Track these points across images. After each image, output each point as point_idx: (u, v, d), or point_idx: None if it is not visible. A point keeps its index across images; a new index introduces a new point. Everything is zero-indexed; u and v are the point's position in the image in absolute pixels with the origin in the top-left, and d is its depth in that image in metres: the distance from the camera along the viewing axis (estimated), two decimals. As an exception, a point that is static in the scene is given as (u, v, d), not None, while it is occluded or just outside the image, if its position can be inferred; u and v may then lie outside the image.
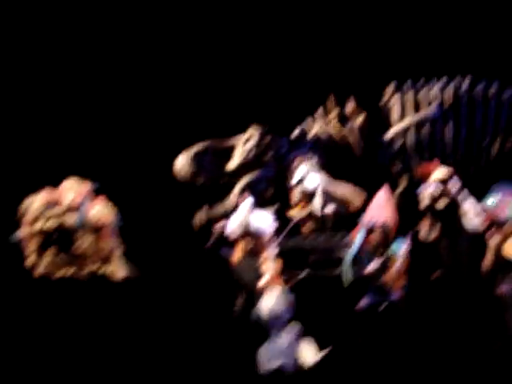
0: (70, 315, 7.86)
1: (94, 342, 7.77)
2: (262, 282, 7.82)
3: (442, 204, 8.19)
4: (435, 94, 9.40)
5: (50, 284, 8.02)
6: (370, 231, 7.91)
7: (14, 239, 8.10)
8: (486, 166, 9.28)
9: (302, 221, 8.85)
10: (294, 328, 7.49)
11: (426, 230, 8.29)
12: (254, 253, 8.06)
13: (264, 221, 8.17)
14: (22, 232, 8.08)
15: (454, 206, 8.15)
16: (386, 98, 9.53)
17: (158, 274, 8.57)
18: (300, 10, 10.40)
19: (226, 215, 8.44)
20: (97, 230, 8.10)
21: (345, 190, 8.95)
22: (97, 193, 8.24)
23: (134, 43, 10.40)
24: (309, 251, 8.58)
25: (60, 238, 8.03)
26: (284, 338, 7.43)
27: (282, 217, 8.68)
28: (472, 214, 8.07)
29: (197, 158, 8.96)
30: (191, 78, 10.33)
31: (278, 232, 8.32)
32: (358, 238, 7.93)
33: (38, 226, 8.00)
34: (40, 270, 8.04)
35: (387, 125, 9.49)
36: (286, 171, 9.11)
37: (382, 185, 8.29)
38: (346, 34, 10.30)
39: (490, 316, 7.67)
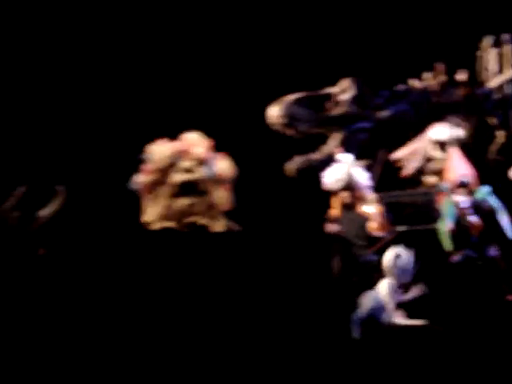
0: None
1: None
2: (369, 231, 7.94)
3: None
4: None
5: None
6: (455, 188, 7.88)
7: (132, 185, 8.34)
8: None
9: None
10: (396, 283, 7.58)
11: None
12: (353, 206, 8.14)
13: (362, 174, 8.24)
14: (142, 179, 8.31)
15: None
16: (481, 52, 9.45)
17: (257, 229, 8.71)
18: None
19: (321, 166, 8.51)
20: (219, 183, 8.39)
21: None
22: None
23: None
24: (406, 205, 8.63)
25: (186, 190, 8.29)
26: (387, 290, 7.51)
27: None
28: None
29: (289, 109, 9.02)
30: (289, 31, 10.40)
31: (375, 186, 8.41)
32: (447, 203, 7.91)
33: (170, 177, 8.26)
34: (152, 218, 8.31)
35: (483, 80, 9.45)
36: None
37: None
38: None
39: None
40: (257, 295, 7.94)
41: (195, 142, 8.42)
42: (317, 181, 8.34)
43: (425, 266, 7.81)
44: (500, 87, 9.32)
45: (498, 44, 9.38)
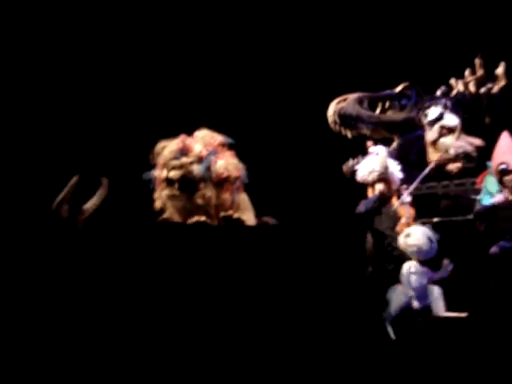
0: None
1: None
2: (399, 227, 7.91)
3: None
4: None
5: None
6: (501, 174, 7.82)
7: (146, 178, 8.28)
8: None
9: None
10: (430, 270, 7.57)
11: None
12: (387, 198, 8.13)
13: (395, 167, 8.24)
14: (155, 173, 8.26)
15: None
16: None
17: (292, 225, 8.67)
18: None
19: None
20: (219, 182, 8.21)
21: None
22: (230, 147, 8.36)
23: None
24: (441, 197, 8.60)
25: (184, 186, 8.17)
26: (420, 279, 7.50)
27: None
28: None
29: (352, 108, 8.98)
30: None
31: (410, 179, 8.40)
32: (489, 182, 7.86)
33: (164, 173, 8.18)
34: (165, 214, 8.24)
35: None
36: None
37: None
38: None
39: None
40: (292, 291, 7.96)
41: (199, 139, 8.29)
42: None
43: (462, 258, 7.81)
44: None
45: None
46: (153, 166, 8.28)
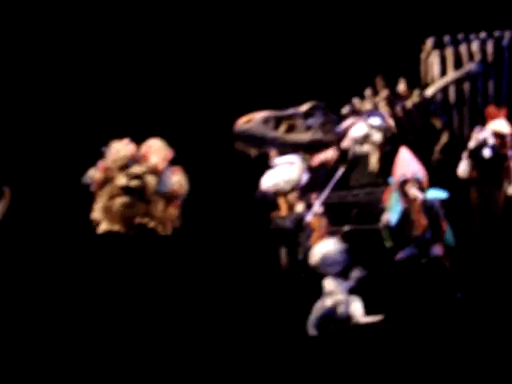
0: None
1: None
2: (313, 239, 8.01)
3: (487, 154, 8.18)
4: (475, 49, 9.42)
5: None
6: (402, 185, 7.96)
7: (86, 180, 8.29)
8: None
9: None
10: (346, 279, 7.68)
11: (463, 170, 8.30)
12: (292, 207, 8.28)
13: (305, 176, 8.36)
14: (95, 174, 8.26)
15: (498, 161, 8.16)
16: (424, 54, 9.58)
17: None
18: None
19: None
20: (170, 198, 8.30)
21: None
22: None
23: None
24: (351, 205, 8.72)
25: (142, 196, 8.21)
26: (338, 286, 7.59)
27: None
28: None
29: (256, 129, 8.91)
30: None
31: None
32: (393, 198, 8.00)
33: (123, 181, 8.15)
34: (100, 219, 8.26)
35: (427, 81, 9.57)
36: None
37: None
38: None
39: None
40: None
41: (154, 150, 8.31)
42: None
43: (370, 265, 7.92)
44: (444, 89, 9.47)
45: (440, 46, 9.54)
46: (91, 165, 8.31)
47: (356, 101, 9.55)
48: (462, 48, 9.46)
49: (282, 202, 8.26)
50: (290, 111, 9.19)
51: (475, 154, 8.23)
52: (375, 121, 8.97)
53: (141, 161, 8.23)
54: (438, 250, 7.71)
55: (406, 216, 7.76)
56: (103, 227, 8.21)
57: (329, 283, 7.65)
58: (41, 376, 6.81)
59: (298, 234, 8.13)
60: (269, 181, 8.28)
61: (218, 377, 6.81)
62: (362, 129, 8.97)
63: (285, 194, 8.27)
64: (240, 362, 6.91)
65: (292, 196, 8.25)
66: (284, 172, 8.30)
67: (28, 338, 7.17)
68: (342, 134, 8.95)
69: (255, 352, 7.03)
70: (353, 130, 9.01)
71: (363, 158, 8.94)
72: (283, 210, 8.27)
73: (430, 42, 9.55)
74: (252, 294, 8.08)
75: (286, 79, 10.35)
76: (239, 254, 8.72)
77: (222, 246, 8.86)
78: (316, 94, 9.25)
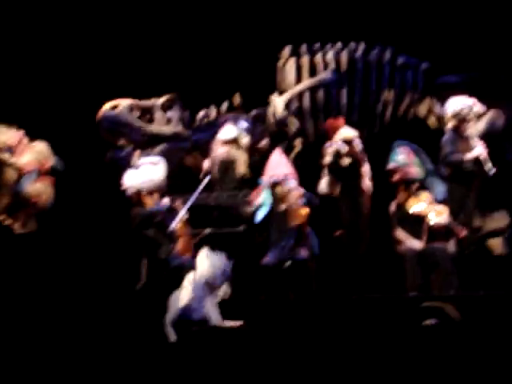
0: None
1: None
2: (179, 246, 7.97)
3: (345, 162, 8.41)
4: (330, 58, 9.66)
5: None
6: (273, 186, 8.08)
7: None
8: (379, 129, 9.66)
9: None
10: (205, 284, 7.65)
11: (326, 186, 8.52)
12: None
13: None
14: None
15: (355, 166, 8.41)
16: (281, 61, 9.74)
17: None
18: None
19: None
20: (24, 203, 8.02)
21: None
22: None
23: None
24: (213, 208, 8.75)
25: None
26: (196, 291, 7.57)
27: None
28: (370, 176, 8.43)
29: (119, 117, 8.93)
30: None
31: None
32: (263, 196, 8.11)
33: None
34: None
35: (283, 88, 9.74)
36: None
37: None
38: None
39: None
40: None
41: (33, 151, 8.08)
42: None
43: (234, 268, 7.97)
44: (299, 96, 9.67)
45: (296, 54, 9.71)
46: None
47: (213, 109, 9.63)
48: (318, 57, 9.68)
49: (145, 200, 8.16)
50: (149, 102, 9.17)
51: (333, 168, 8.46)
52: (243, 124, 9.07)
53: (14, 153, 7.95)
54: (303, 252, 7.88)
55: (275, 216, 7.89)
56: None
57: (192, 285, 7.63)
58: None
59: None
60: (131, 180, 8.17)
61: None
62: (232, 131, 9.05)
63: (147, 193, 8.17)
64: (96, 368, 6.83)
65: (155, 196, 8.16)
66: (147, 172, 8.22)
67: None
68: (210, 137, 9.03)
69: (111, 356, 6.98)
70: (221, 133, 9.08)
71: (231, 162, 9.01)
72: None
73: (287, 50, 9.72)
74: (112, 295, 8.00)
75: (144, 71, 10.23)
76: (99, 254, 8.61)
77: (83, 245, 8.72)
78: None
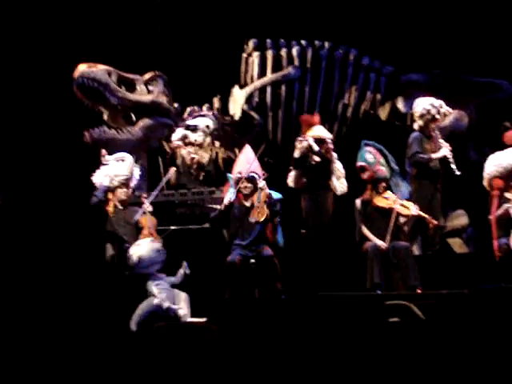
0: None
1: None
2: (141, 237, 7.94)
3: (315, 159, 8.42)
4: (295, 55, 9.66)
5: None
6: (238, 182, 8.06)
7: None
8: (341, 127, 9.73)
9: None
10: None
11: (293, 180, 8.52)
12: (124, 203, 8.13)
13: (137, 173, 8.24)
14: None
15: (325, 165, 8.43)
16: (245, 54, 9.71)
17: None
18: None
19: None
20: None
21: None
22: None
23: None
24: (178, 205, 8.70)
25: None
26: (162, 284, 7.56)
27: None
28: (341, 174, 8.43)
29: (103, 76, 8.77)
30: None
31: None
32: (230, 192, 8.09)
33: None
34: None
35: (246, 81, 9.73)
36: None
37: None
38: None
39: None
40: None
41: None
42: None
43: (198, 266, 7.95)
44: (262, 89, 9.63)
45: (261, 48, 9.71)
46: None
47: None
48: (283, 52, 9.68)
49: (110, 197, 8.09)
50: (132, 75, 9.08)
51: (301, 163, 8.46)
52: (192, 121, 9.03)
53: None
54: (268, 250, 7.90)
55: (240, 212, 7.90)
56: None
57: (150, 284, 7.62)
58: None
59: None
60: (99, 177, 8.09)
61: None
62: (179, 132, 9.03)
63: (113, 190, 8.10)
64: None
65: (122, 192, 8.09)
66: (114, 168, 8.14)
67: None
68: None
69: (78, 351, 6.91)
70: (173, 136, 9.06)
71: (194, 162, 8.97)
72: (111, 206, 8.10)
73: (251, 44, 9.69)
74: (76, 290, 7.92)
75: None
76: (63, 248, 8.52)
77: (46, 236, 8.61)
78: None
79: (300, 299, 7.71)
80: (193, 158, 8.91)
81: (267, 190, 7.98)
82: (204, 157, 8.96)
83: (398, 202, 7.95)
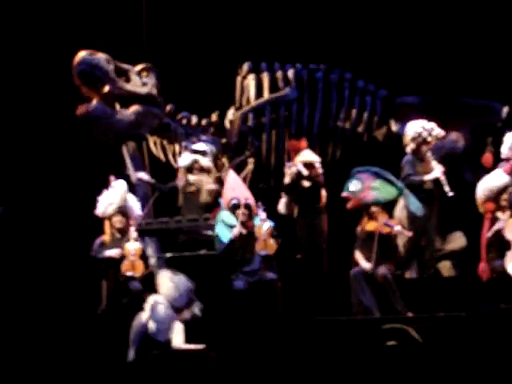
0: None
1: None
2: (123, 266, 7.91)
3: (305, 184, 8.45)
4: (291, 77, 9.68)
5: None
6: (233, 209, 8.08)
7: None
8: (338, 148, 9.74)
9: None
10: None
11: (284, 207, 8.55)
12: (125, 232, 8.09)
13: (135, 202, 8.23)
14: None
15: (315, 189, 8.45)
16: (240, 77, 9.74)
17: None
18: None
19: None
20: None
21: None
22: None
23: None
24: (174, 232, 8.71)
25: None
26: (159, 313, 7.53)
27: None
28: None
29: (101, 62, 8.80)
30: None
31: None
32: (220, 217, 8.12)
33: None
34: None
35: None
36: None
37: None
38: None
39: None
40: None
41: None
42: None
43: (198, 291, 7.94)
44: (258, 111, 9.67)
45: (256, 70, 9.73)
46: None
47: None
48: (278, 74, 9.70)
49: (107, 225, 8.10)
50: (126, 66, 9.15)
51: (292, 189, 8.48)
52: (199, 146, 9.05)
53: None
54: (272, 273, 7.95)
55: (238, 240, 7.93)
56: None
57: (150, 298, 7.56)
58: None
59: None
60: (99, 203, 8.14)
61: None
62: (188, 157, 9.04)
63: (108, 217, 8.12)
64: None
65: (117, 220, 8.09)
66: (109, 195, 8.16)
67: None
68: None
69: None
70: (180, 161, 9.08)
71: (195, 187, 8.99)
72: (107, 235, 8.10)
73: (246, 66, 9.72)
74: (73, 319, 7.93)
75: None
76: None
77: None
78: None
79: (297, 324, 7.73)
80: (201, 185, 8.93)
81: (269, 222, 8.01)
82: (211, 183, 8.99)
83: (382, 223, 7.97)
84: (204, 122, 9.62)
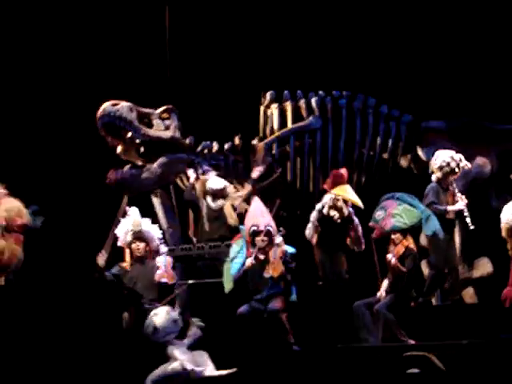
0: None
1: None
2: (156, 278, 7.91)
3: (336, 217, 8.41)
4: (314, 105, 9.67)
5: None
6: (253, 235, 8.08)
7: None
8: (365, 175, 9.69)
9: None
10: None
11: (312, 233, 8.51)
12: (144, 259, 8.11)
13: (153, 227, 8.27)
14: None
15: (345, 224, 8.42)
16: (263, 106, 9.76)
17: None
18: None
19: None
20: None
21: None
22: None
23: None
24: (196, 259, 8.73)
25: None
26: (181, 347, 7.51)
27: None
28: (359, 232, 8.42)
29: (125, 112, 8.85)
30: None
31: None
32: (239, 244, 8.14)
33: None
34: None
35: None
36: None
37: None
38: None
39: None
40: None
41: (4, 209, 7.90)
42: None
43: (214, 318, 7.95)
44: (283, 140, 9.67)
45: (279, 99, 9.74)
46: None
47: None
48: (301, 103, 9.69)
49: (127, 253, 8.15)
50: (148, 109, 9.18)
51: (324, 218, 8.45)
52: (216, 184, 9.13)
53: None
54: (276, 303, 7.87)
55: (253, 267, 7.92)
56: None
57: (171, 349, 7.51)
58: None
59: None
60: (119, 234, 8.20)
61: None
62: (220, 182, 9.11)
63: (127, 245, 8.16)
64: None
65: (136, 247, 8.12)
66: (125, 224, 8.21)
67: None
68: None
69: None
70: (209, 183, 9.12)
71: (219, 211, 9.06)
72: (126, 261, 8.14)
73: (268, 96, 9.74)
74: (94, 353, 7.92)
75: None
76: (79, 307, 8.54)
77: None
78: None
79: (318, 352, 7.67)
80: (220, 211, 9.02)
81: (284, 247, 8.00)
82: (228, 209, 9.04)
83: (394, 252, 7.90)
84: (227, 145, 9.62)
